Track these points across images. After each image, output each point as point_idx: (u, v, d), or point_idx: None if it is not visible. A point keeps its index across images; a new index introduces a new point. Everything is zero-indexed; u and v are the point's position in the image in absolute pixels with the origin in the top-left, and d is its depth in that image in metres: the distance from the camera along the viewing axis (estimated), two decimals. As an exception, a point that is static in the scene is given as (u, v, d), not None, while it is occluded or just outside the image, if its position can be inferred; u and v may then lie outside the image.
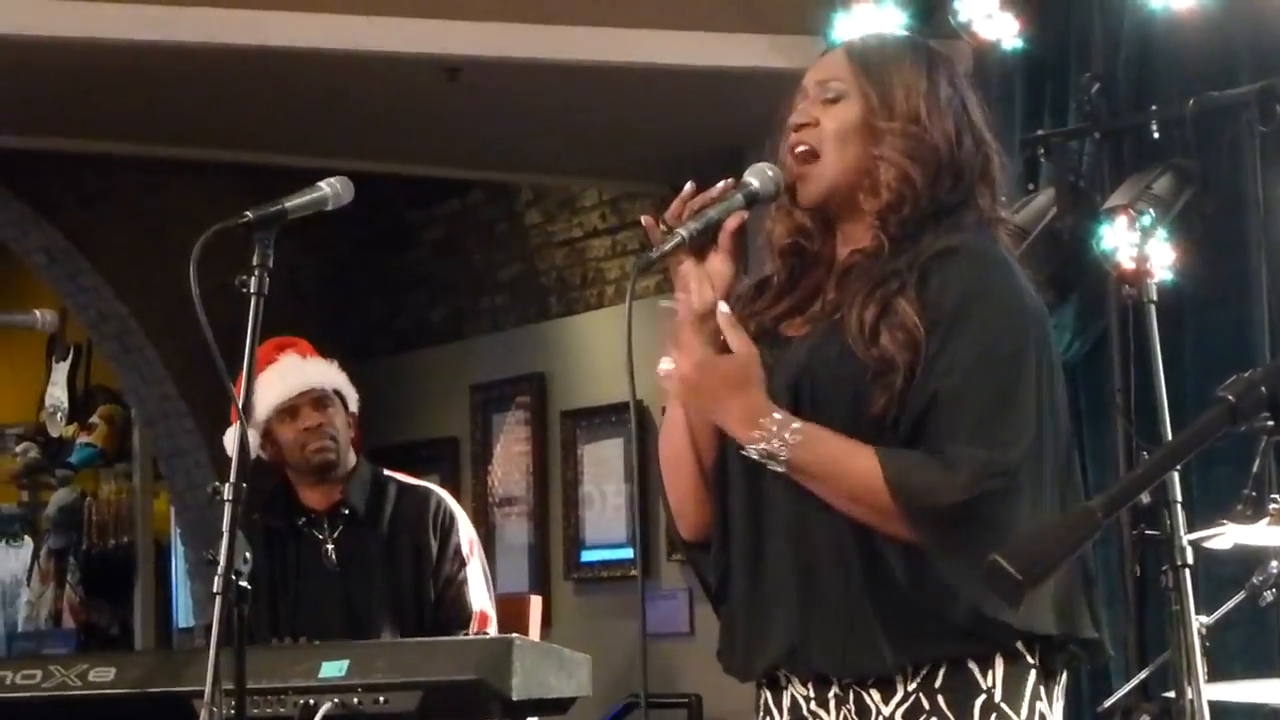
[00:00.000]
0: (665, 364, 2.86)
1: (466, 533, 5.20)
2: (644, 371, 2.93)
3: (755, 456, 2.83)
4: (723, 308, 2.86)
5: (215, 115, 7.18)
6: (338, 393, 5.18)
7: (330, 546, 5.15)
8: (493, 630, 5.10)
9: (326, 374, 5.18)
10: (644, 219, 2.96)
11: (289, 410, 5.09)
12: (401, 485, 5.25)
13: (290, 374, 5.11)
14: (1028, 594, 2.18)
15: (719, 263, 2.94)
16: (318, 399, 5.13)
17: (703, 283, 2.92)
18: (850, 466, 2.80)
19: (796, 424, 2.81)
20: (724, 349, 2.90)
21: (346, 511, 5.16)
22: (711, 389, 2.84)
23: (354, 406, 5.23)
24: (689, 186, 2.94)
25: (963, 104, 2.98)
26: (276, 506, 5.19)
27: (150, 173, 8.90)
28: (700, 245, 2.92)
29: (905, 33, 3.24)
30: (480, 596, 5.13)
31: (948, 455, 2.77)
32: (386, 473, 5.27)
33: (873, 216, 2.93)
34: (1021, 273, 2.92)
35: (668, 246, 2.89)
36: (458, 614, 5.09)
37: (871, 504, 2.79)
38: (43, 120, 7.22)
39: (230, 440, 5.01)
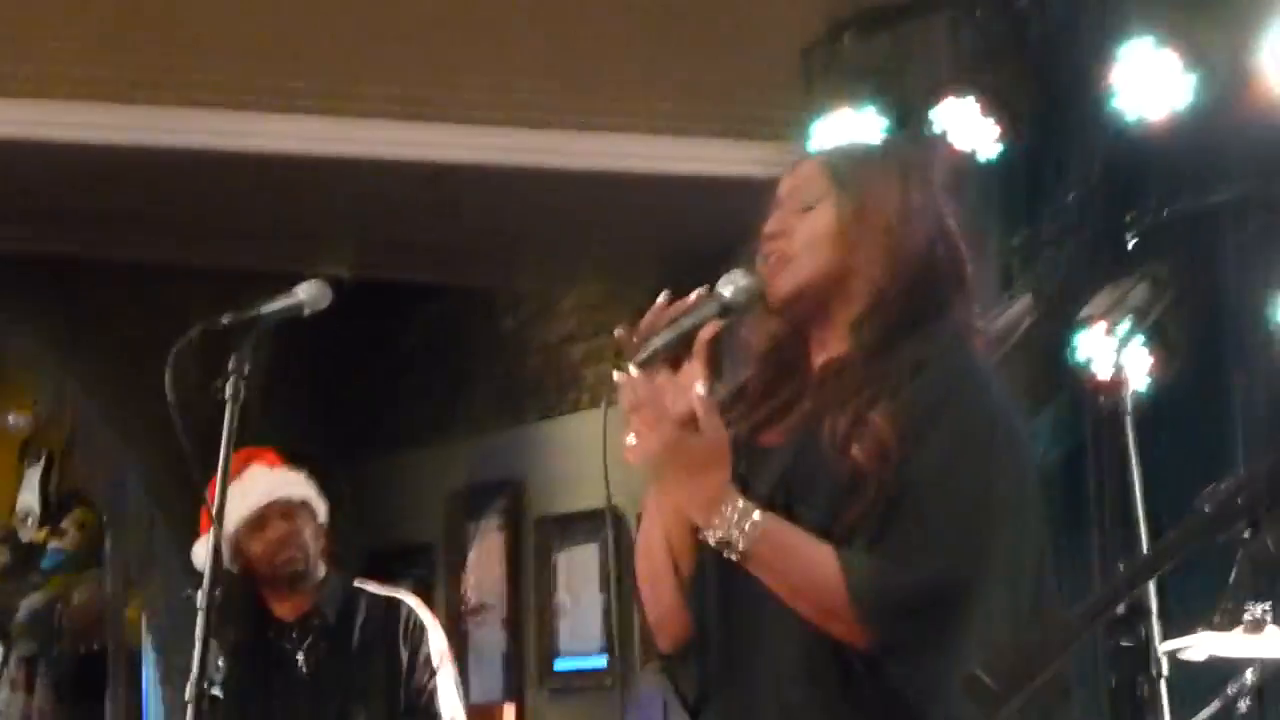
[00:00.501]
0: (631, 439, 2.83)
1: (437, 643, 5.17)
2: (620, 479, 2.92)
3: (712, 542, 2.82)
4: (698, 389, 2.84)
5: (191, 219, 7.18)
6: (305, 503, 5.16)
7: (300, 656, 5.12)
8: None
9: (293, 484, 5.17)
10: (617, 331, 2.95)
11: (256, 521, 5.08)
12: (372, 596, 5.23)
13: (257, 486, 5.09)
14: (1004, 706, 2.16)
15: (692, 375, 2.94)
16: (284, 510, 5.11)
17: (676, 395, 2.91)
18: (806, 560, 2.79)
19: (757, 514, 2.80)
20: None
21: (317, 622, 5.13)
22: (677, 469, 2.81)
23: (323, 517, 5.21)
24: (662, 297, 2.94)
25: (937, 211, 2.97)
26: (246, 618, 5.16)
27: (126, 277, 8.89)
28: (675, 355, 2.92)
29: (879, 142, 3.25)
30: (451, 704, 5.11)
31: (904, 559, 2.75)
32: (357, 583, 5.25)
33: (845, 326, 2.92)
34: (996, 381, 2.92)
35: (641, 357, 2.88)
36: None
37: (822, 600, 2.77)
38: (19, 222, 7.21)
39: (199, 553, 5.02)
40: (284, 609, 5.15)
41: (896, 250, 2.91)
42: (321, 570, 5.17)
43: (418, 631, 5.16)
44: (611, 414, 2.88)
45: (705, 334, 2.92)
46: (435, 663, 5.14)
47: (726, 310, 2.94)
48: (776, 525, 2.81)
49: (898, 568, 2.75)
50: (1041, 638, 2.23)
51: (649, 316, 2.93)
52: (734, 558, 2.80)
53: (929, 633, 2.74)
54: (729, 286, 2.95)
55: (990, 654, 2.30)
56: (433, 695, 5.10)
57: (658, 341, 2.89)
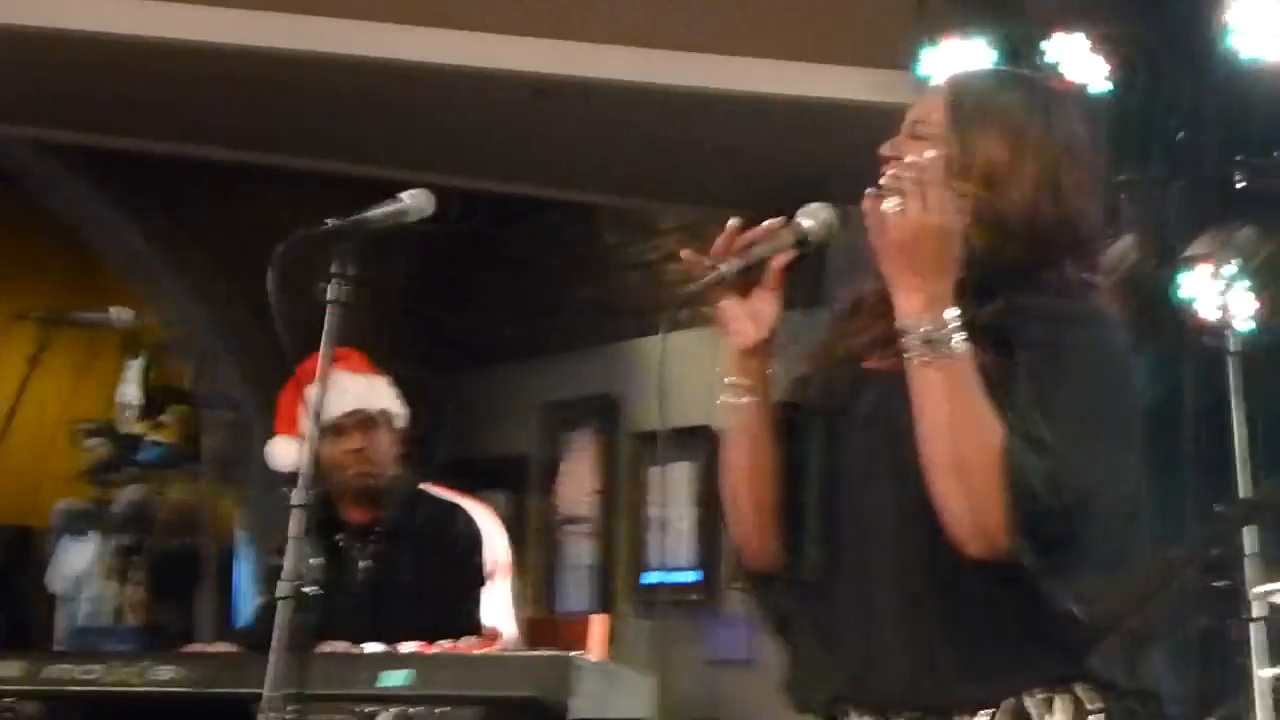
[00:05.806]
0: (891, 203, 2.75)
1: (492, 552, 5.15)
2: (710, 398, 2.92)
3: (916, 340, 2.73)
4: (931, 155, 2.78)
5: (301, 124, 7.22)
6: (384, 412, 5.17)
7: (362, 561, 5.15)
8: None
9: (374, 394, 5.17)
10: (684, 253, 2.92)
11: (334, 429, 5.08)
12: (434, 500, 5.23)
13: (340, 394, 5.06)
14: (1099, 640, 2.16)
15: (762, 302, 2.92)
16: (364, 420, 5.11)
17: (745, 321, 2.90)
18: (979, 412, 2.70)
19: (964, 340, 2.73)
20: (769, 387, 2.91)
21: (379, 527, 5.16)
22: (921, 254, 2.74)
23: (402, 423, 5.21)
24: (733, 222, 2.91)
25: (1057, 165, 2.92)
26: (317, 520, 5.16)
27: (234, 179, 8.95)
28: (744, 283, 2.89)
29: (1015, 73, 3.14)
30: (497, 616, 5.06)
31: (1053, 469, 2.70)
32: (423, 487, 5.26)
33: None
34: (1111, 319, 2.88)
35: (707, 280, 2.86)
36: (465, 627, 4.98)
37: (972, 460, 2.68)
38: (131, 121, 7.27)
39: (274, 451, 5.07)
40: (353, 513, 5.19)
41: (990, 207, 2.84)
42: (392, 475, 5.19)
43: (471, 539, 5.15)
44: (684, 336, 2.85)
45: (777, 263, 2.89)
46: (487, 570, 5.12)
47: (803, 241, 2.90)
48: (972, 365, 2.73)
49: (1048, 471, 2.67)
50: (1142, 576, 2.23)
51: (720, 241, 2.89)
52: (925, 361, 2.72)
53: (1067, 538, 2.67)
54: (808, 218, 2.91)
55: (1090, 587, 2.29)
56: (476, 604, 5.07)
57: (725, 267, 2.85)
